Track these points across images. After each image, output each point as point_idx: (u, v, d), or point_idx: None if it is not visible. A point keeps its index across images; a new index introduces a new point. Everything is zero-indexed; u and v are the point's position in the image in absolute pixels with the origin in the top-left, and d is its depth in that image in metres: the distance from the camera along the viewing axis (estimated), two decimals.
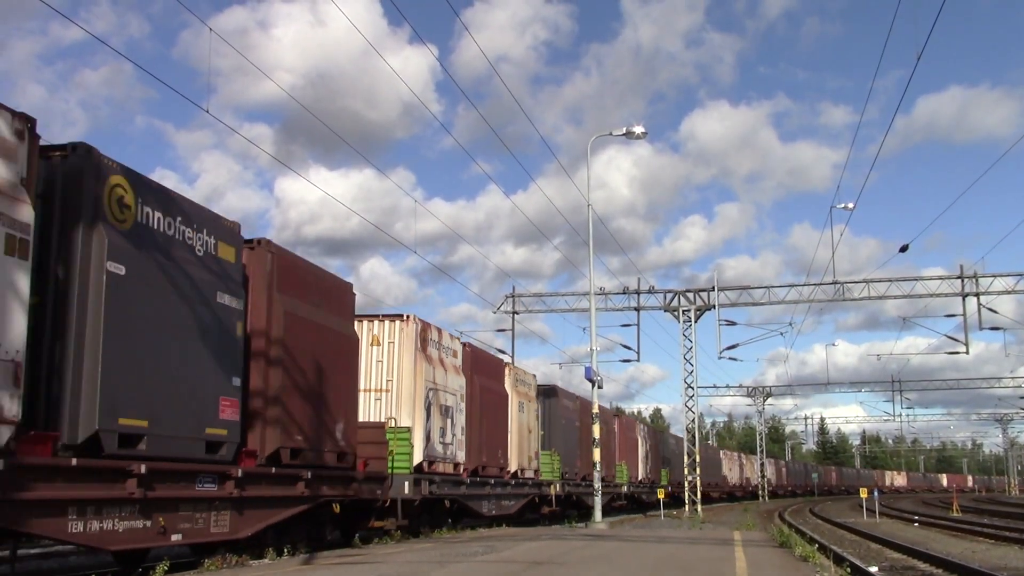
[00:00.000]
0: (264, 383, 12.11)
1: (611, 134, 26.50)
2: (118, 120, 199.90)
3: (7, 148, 8.00)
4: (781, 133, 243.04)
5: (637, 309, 37.90)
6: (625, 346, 39.17)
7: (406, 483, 16.93)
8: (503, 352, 36.08)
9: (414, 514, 17.92)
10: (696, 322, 37.67)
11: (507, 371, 24.58)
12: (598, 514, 24.14)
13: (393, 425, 17.32)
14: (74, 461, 8.68)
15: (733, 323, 41.14)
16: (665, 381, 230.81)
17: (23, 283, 8.08)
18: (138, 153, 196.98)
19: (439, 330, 19.68)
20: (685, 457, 39.25)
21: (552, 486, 26.99)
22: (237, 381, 11.49)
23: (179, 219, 10.62)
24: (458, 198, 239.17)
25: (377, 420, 17.40)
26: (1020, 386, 69.15)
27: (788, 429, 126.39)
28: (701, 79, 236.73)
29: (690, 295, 37.92)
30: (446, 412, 19.30)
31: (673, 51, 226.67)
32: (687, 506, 37.93)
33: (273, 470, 12.18)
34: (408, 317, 18.41)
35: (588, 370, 24.80)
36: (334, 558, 12.19)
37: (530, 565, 11.22)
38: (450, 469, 19.35)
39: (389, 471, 16.27)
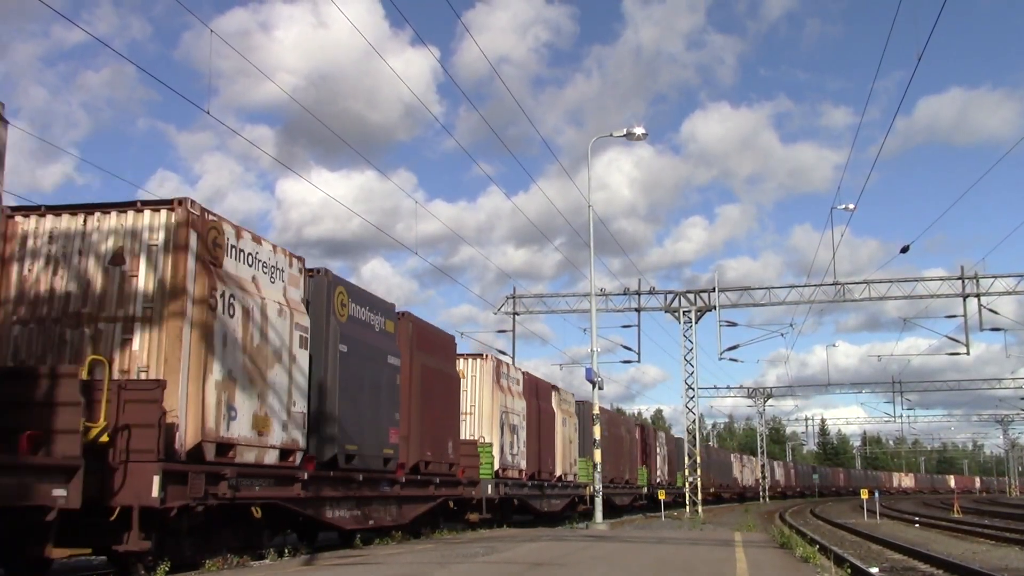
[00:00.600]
0: (408, 415, 17.13)
1: (612, 135, 26.52)
2: (120, 122, 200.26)
3: (296, 280, 13.36)
4: (782, 134, 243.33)
5: (638, 310, 37.93)
6: (626, 347, 39.12)
7: (489, 486, 21.80)
8: (504, 353, 36.14)
9: (493, 509, 22.65)
10: (697, 323, 37.69)
11: (554, 393, 29.12)
12: (599, 515, 24.13)
13: (482, 441, 22.16)
14: (331, 473, 13.87)
15: (734, 324, 41.19)
16: (666, 382, 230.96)
17: (307, 363, 13.37)
18: (140, 155, 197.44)
19: (507, 364, 25.25)
20: (697, 459, 39.14)
21: (587, 488, 30.20)
22: (397, 416, 16.34)
23: (367, 308, 15.56)
24: (459, 199, 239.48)
25: (465, 438, 21.35)
26: (1021, 387, 69.13)
27: (789, 430, 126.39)
28: (702, 81, 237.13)
29: (691, 296, 37.94)
30: (513, 429, 24.27)
31: (674, 52, 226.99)
32: (688, 507, 37.91)
33: (418, 477, 17.41)
34: (487, 356, 23.62)
35: (589, 371, 24.81)
36: (335, 559, 12.20)
37: (531, 566, 11.22)
38: (516, 475, 24.23)
39: (480, 477, 21.13)
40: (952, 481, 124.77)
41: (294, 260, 13.31)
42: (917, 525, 29.85)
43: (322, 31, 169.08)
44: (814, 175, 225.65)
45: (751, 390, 75.68)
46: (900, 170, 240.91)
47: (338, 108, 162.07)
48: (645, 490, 40.58)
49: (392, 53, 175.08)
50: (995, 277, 35.15)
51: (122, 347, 10.76)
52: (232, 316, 11.42)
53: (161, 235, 10.98)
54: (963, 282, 35.17)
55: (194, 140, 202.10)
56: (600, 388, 25.17)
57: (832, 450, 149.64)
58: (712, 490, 54.97)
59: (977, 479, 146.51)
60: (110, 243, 11.13)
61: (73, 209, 11.38)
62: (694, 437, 38.95)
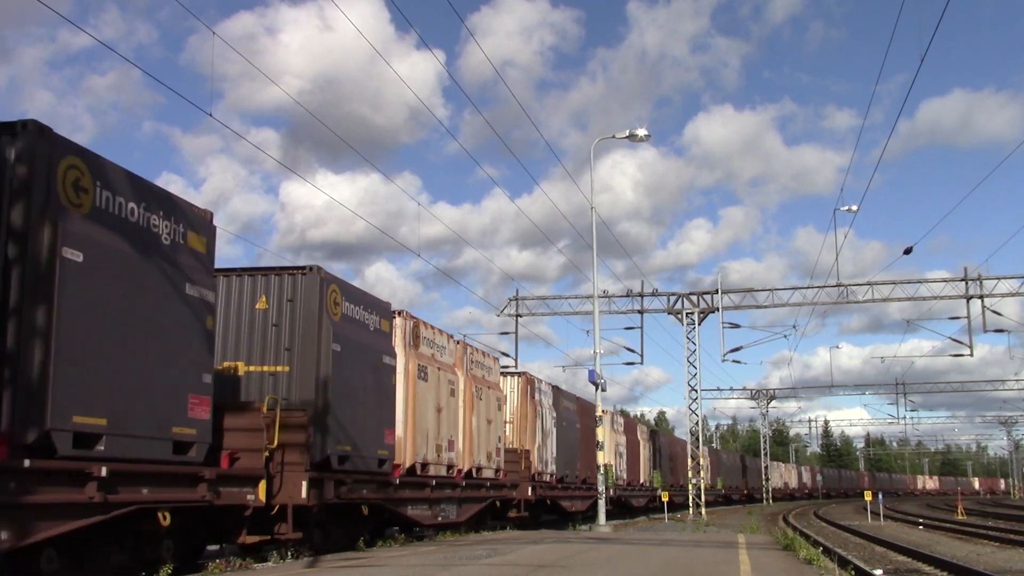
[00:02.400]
0: (466, 428, 19.75)
1: (614, 137, 26.49)
2: (126, 126, 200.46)
3: (453, 352, 14.36)
4: (786, 137, 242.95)
5: (641, 312, 37.88)
6: (629, 349, 39.03)
7: (529, 488, 24.23)
8: (506, 355, 36.15)
9: (529, 508, 25.07)
10: (700, 325, 37.64)
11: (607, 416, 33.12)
12: (602, 517, 24.11)
13: (521, 449, 24.72)
14: (412, 478, 16.83)
15: (737, 326, 41.17)
16: (669, 384, 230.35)
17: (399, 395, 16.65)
18: (145, 158, 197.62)
19: (540, 380, 27.34)
20: (700, 460, 39.19)
21: (609, 490, 32.92)
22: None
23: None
24: (463, 202, 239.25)
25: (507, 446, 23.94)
26: None
27: (792, 432, 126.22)
28: (706, 83, 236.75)
29: (694, 298, 37.88)
30: (544, 438, 26.87)
31: (678, 56, 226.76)
32: (691, 509, 37.85)
33: (473, 479, 20.03)
34: (523, 375, 26.30)
35: (592, 373, 24.80)
36: (338, 561, 12.19)
37: (534, 568, 11.21)
38: (547, 478, 26.85)
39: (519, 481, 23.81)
40: (976, 483, 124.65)
41: (450, 338, 19.02)
42: (921, 527, 29.79)
43: (327, 34, 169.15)
44: (818, 177, 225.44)
45: (754, 392, 75.55)
46: (903, 172, 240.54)
47: (343, 111, 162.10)
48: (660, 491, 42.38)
49: (397, 56, 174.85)
50: (999, 279, 35.07)
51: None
52: (426, 381, 17.58)
53: (398, 334, 16.98)
54: (966, 284, 35.09)
55: (199, 143, 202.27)
56: (603, 390, 25.16)
57: (836, 452, 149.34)
58: (746, 491, 66.18)
59: (1002, 481, 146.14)
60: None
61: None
62: (697, 439, 38.89)
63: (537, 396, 26.53)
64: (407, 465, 16.68)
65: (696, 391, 38.60)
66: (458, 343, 20.17)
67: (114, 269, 9.28)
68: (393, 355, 16.07)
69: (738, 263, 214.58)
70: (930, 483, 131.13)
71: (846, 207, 30.19)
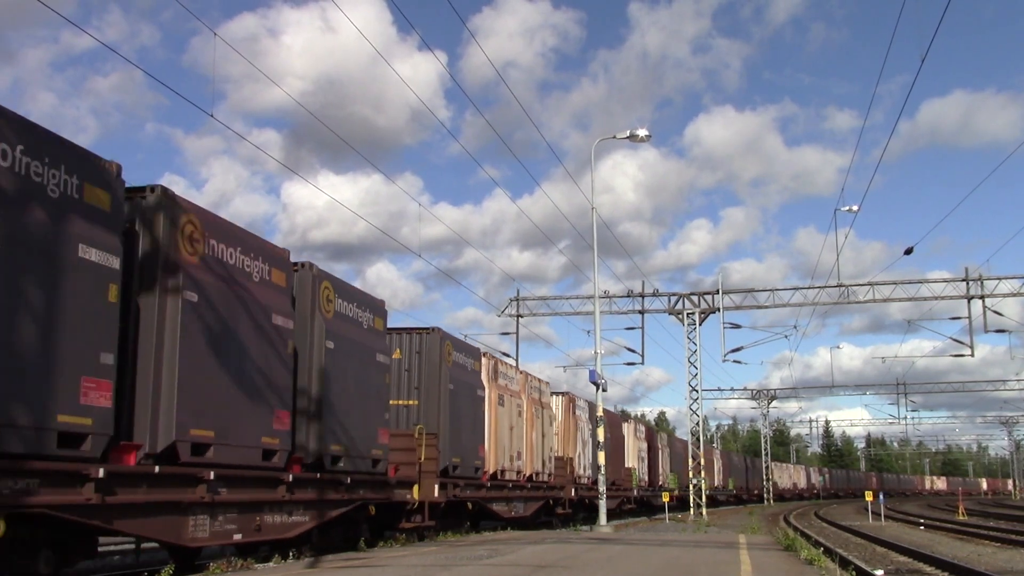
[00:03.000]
0: (529, 438, 24.55)
1: (615, 137, 26.49)
2: (129, 127, 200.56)
3: (520, 381, 20.12)
4: (787, 138, 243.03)
5: (641, 312, 37.86)
6: (630, 349, 38.99)
7: (573, 489, 29.12)
8: (508, 356, 36.16)
9: (574, 506, 29.81)
10: (700, 325, 37.61)
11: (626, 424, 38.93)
12: (603, 517, 24.12)
13: (566, 457, 29.13)
14: (494, 481, 21.54)
15: (738, 326, 41.16)
16: (670, 384, 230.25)
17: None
18: (148, 159, 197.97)
19: (579, 398, 31.76)
20: (701, 460, 39.18)
21: (633, 491, 38.73)
22: (387, 416, 16.42)
23: (355, 304, 15.12)
24: (465, 202, 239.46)
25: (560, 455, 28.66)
26: None
27: (793, 432, 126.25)
28: (708, 85, 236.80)
29: (694, 298, 37.85)
30: (583, 447, 31.66)
31: (680, 57, 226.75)
32: (692, 509, 37.84)
33: (533, 482, 24.82)
34: (566, 394, 30.46)
35: (592, 373, 24.81)
36: (339, 562, 12.19)
37: (535, 569, 11.21)
38: (585, 480, 31.30)
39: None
40: (984, 483, 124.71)
41: (516, 370, 24.35)
42: (922, 527, 29.78)
43: (330, 36, 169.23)
44: (818, 178, 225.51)
45: (755, 392, 75.53)
46: (904, 173, 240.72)
47: (345, 112, 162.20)
48: (676, 491, 47.10)
49: (400, 57, 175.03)
50: (999, 279, 35.04)
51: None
52: (503, 406, 22.25)
53: (484, 371, 21.66)
54: (967, 284, 35.07)
55: (201, 144, 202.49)
56: (604, 390, 25.18)
57: (836, 452, 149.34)
58: (756, 492, 70.09)
59: (1010, 482, 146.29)
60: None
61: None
62: (698, 439, 38.88)
63: (577, 412, 31.44)
64: (491, 472, 21.44)
65: (697, 391, 38.59)
66: (520, 372, 25.17)
67: (219, 305, 10.89)
68: (388, 353, 16.45)
69: (739, 263, 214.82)
70: (938, 483, 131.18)
71: (846, 207, 30.18)
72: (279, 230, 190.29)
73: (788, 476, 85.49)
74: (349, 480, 14.11)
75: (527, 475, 24.15)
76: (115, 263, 9.18)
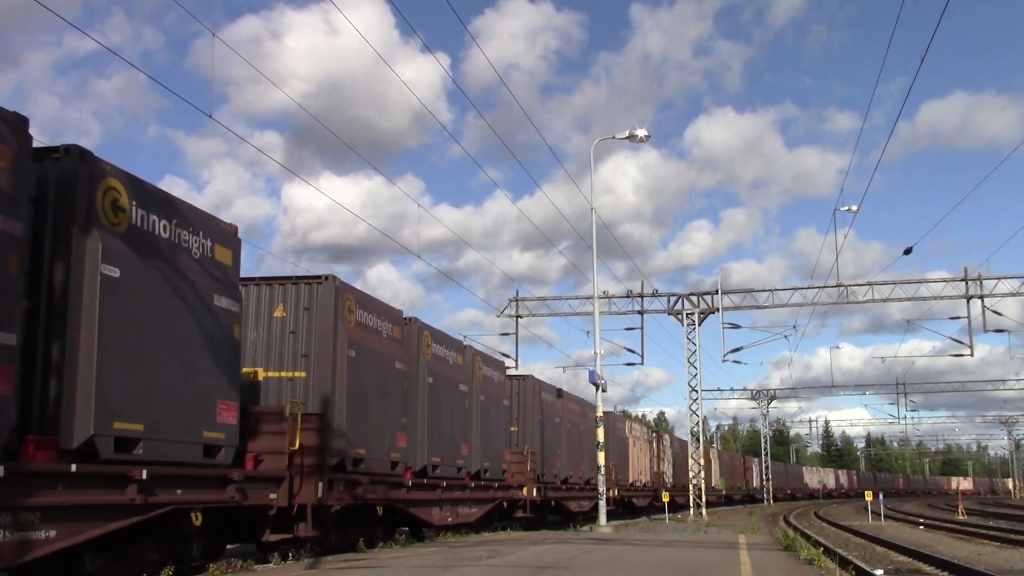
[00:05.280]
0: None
1: (614, 137, 26.48)
2: (131, 130, 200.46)
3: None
4: (787, 139, 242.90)
5: (641, 313, 37.83)
6: (629, 349, 38.96)
7: (616, 490, 33.12)
8: (507, 356, 36.11)
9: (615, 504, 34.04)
10: (700, 325, 37.61)
11: (628, 422, 41.13)
12: (603, 518, 24.10)
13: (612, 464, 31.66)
14: (475, 483, 20.71)
15: (737, 326, 41.01)
16: (670, 384, 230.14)
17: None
18: (150, 161, 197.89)
19: (631, 419, 39.53)
20: (701, 460, 39.21)
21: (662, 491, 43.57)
22: (404, 420, 16.66)
23: (375, 314, 15.51)
24: (466, 204, 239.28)
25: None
26: None
27: (793, 432, 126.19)
28: (708, 87, 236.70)
29: (694, 298, 37.84)
30: (625, 456, 37.13)
31: (681, 59, 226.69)
32: (692, 509, 37.84)
33: (587, 486, 29.97)
34: (628, 419, 37.51)
35: (592, 373, 24.79)
36: (339, 562, 12.19)
37: (535, 570, 11.21)
38: (625, 483, 36.59)
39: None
40: (1010, 483, 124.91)
41: (621, 413, 31.43)
42: (922, 527, 29.78)
43: (332, 38, 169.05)
44: (819, 179, 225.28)
45: (755, 392, 75.47)
46: (904, 174, 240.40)
47: (347, 115, 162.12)
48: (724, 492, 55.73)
49: (403, 60, 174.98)
50: (999, 278, 35.02)
51: None
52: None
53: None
54: (967, 283, 35.05)
55: (203, 146, 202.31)
56: (604, 390, 25.15)
57: (836, 452, 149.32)
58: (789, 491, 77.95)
59: None
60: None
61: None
62: (698, 439, 38.87)
63: (627, 429, 38.08)
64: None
65: (697, 391, 38.58)
66: (624, 414, 31.15)
67: (149, 283, 9.81)
68: (404, 361, 16.75)
69: (739, 264, 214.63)
70: (964, 484, 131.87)
71: (846, 207, 30.17)
72: (280, 232, 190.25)
73: (818, 478, 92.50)
74: (369, 480, 14.89)
75: (584, 480, 28.12)
76: (17, 230, 8.22)
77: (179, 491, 10.08)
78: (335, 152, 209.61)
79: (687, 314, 37.49)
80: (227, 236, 11.55)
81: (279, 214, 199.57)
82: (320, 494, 13.28)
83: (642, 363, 38.96)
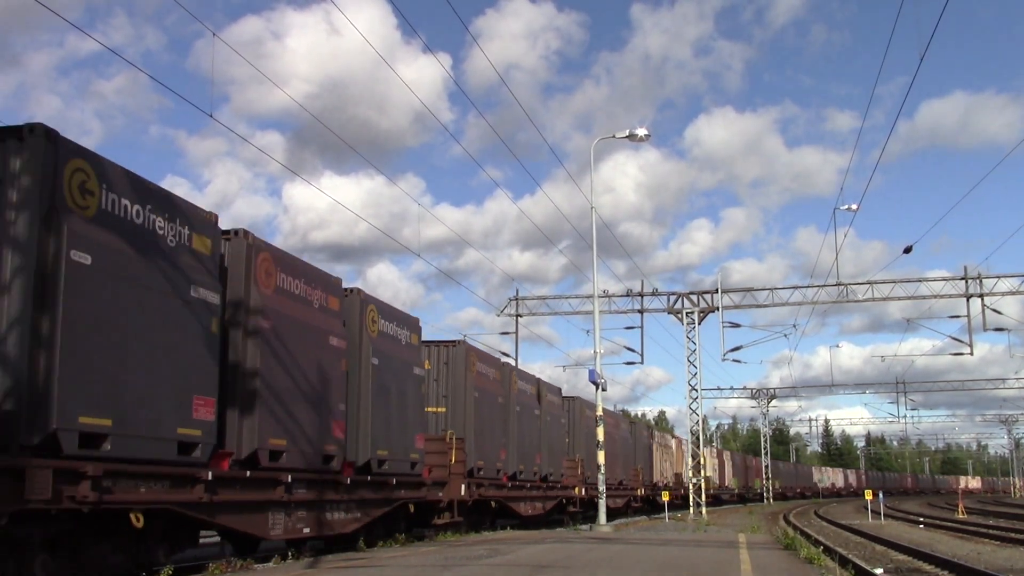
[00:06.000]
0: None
1: (614, 136, 26.47)
2: (133, 130, 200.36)
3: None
4: (787, 139, 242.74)
5: (641, 312, 37.83)
6: (629, 348, 38.97)
7: (641, 489, 38.05)
8: (507, 355, 36.13)
9: (643, 502, 39.40)
10: (700, 324, 37.60)
11: (653, 431, 47.15)
12: (603, 517, 24.09)
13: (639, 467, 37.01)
14: (517, 481, 24.01)
15: (737, 325, 41.07)
16: (670, 384, 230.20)
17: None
18: (151, 161, 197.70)
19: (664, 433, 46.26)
20: (701, 460, 39.15)
21: (681, 490, 46.88)
22: (423, 423, 17.88)
23: (395, 323, 16.40)
24: (467, 203, 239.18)
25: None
26: None
27: (793, 431, 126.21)
28: (709, 86, 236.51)
29: (693, 297, 37.83)
30: (650, 461, 42.19)
31: (682, 59, 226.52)
32: (691, 508, 37.84)
33: (621, 487, 34.98)
34: (665, 434, 40.51)
35: (592, 372, 24.78)
36: (339, 562, 12.18)
37: (536, 569, 11.20)
38: (653, 482, 41.86)
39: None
40: (1018, 482, 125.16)
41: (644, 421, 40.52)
42: (922, 526, 29.78)
43: (334, 39, 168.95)
44: (819, 179, 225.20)
45: (755, 391, 75.49)
46: (904, 173, 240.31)
47: (348, 115, 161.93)
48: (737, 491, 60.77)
49: (405, 60, 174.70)
50: (998, 277, 35.03)
51: None
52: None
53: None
54: (966, 282, 35.05)
55: (204, 146, 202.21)
56: (604, 389, 25.15)
57: (836, 451, 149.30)
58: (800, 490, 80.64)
59: None
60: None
61: None
62: (697, 439, 38.88)
63: (652, 436, 43.00)
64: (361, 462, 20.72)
65: (696, 391, 38.57)
66: (625, 414, 33.51)
67: (116, 270, 9.23)
68: (423, 365, 17.89)
69: (739, 263, 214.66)
70: (973, 483, 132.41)
71: (846, 206, 30.15)
72: (280, 231, 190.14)
73: (828, 477, 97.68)
74: (394, 481, 15.71)
75: (620, 482, 31.52)
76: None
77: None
78: (336, 152, 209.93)
79: (687, 313, 37.48)
80: (207, 224, 10.94)
81: (280, 213, 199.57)
82: (463, 492, 18.98)
83: (642, 362, 39.05)
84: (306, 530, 12.87)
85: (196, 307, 10.51)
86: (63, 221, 8.53)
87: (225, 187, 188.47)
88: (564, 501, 29.27)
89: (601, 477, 24.61)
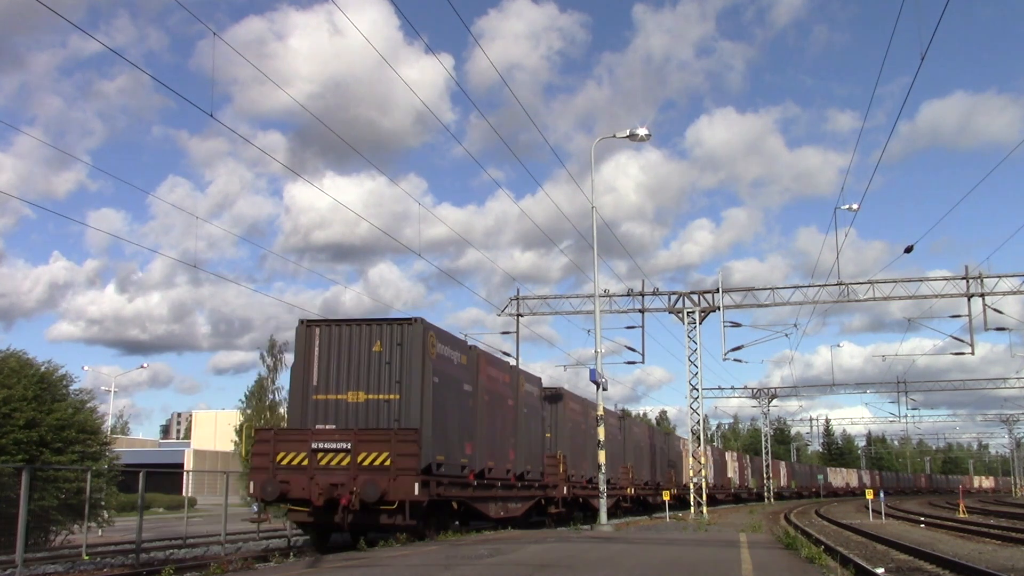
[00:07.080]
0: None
1: (615, 136, 26.47)
2: (135, 131, 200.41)
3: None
4: (788, 139, 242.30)
5: (642, 311, 37.82)
6: (630, 348, 38.96)
7: (629, 490, 38.09)
8: (508, 355, 36.16)
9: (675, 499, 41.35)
10: (701, 324, 37.59)
11: (680, 439, 50.27)
12: (603, 516, 24.10)
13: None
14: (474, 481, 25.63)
15: (738, 325, 40.97)
16: (671, 383, 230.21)
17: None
18: (152, 161, 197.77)
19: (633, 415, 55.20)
20: (702, 459, 39.16)
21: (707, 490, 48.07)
22: (471, 432, 20.46)
23: (449, 346, 19.49)
24: (469, 203, 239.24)
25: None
26: None
27: (793, 431, 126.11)
28: (710, 87, 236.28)
29: (694, 297, 37.83)
30: (669, 464, 45.22)
31: (684, 59, 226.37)
32: (692, 508, 37.85)
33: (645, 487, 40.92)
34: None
35: (593, 372, 24.80)
36: (339, 561, 12.18)
37: (537, 568, 11.20)
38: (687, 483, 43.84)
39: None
40: (1019, 481, 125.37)
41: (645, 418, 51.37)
42: (923, 525, 29.77)
43: (336, 39, 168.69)
44: (820, 179, 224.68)
45: (755, 391, 75.49)
46: (904, 173, 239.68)
47: (350, 115, 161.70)
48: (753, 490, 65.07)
49: (406, 60, 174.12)
50: (1000, 277, 35.00)
51: None
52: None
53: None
54: (967, 282, 35.04)
55: (206, 146, 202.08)
56: (605, 389, 25.16)
57: (837, 451, 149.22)
58: (813, 490, 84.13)
59: None
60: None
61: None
62: (698, 438, 38.89)
63: (680, 443, 46.67)
64: (423, 467, 22.39)
65: (697, 390, 38.57)
66: (626, 412, 34.67)
67: (447, 380, 18.72)
68: (472, 383, 20.84)
69: (741, 263, 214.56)
70: (986, 482, 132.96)
71: (847, 206, 30.13)
72: (282, 231, 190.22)
73: (842, 478, 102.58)
74: (447, 482, 18.99)
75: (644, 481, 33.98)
76: (468, 388, 20.79)
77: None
78: (338, 152, 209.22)
79: (688, 312, 37.48)
80: (465, 346, 20.69)
81: (281, 213, 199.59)
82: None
83: (643, 362, 39.04)
84: (502, 512, 22.55)
85: (464, 393, 19.93)
86: (426, 360, 17.88)
87: (227, 187, 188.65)
88: (544, 501, 26.96)
89: (602, 477, 24.62)
